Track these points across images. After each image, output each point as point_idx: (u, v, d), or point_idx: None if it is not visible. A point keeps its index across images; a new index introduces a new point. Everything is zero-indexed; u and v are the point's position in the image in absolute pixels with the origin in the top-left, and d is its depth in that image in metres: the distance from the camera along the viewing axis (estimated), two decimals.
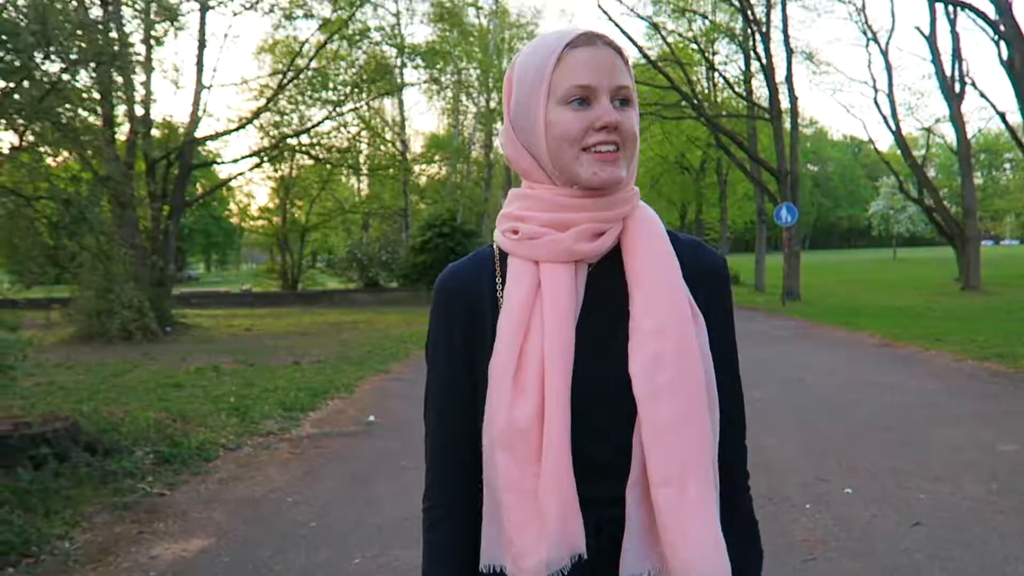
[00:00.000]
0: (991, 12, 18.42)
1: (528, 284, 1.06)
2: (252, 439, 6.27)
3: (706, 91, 29.16)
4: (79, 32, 7.28)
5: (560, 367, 1.02)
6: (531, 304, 1.05)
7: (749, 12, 22.77)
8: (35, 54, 6.41)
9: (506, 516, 1.05)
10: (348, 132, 21.30)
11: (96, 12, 10.14)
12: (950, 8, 22.05)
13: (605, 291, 1.09)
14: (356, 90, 19.63)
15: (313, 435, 6.44)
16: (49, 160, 9.67)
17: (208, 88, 17.21)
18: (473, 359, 1.11)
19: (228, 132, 18.12)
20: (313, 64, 18.86)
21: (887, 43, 33.49)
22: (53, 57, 6.94)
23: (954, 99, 23.22)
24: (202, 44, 16.97)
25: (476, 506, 1.11)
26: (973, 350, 10.02)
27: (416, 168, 28.32)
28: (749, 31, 24.13)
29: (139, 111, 14.48)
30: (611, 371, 1.06)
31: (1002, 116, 23.49)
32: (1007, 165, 67.03)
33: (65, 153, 9.60)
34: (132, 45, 9.89)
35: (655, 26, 25.75)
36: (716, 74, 28.66)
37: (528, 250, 1.07)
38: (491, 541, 1.08)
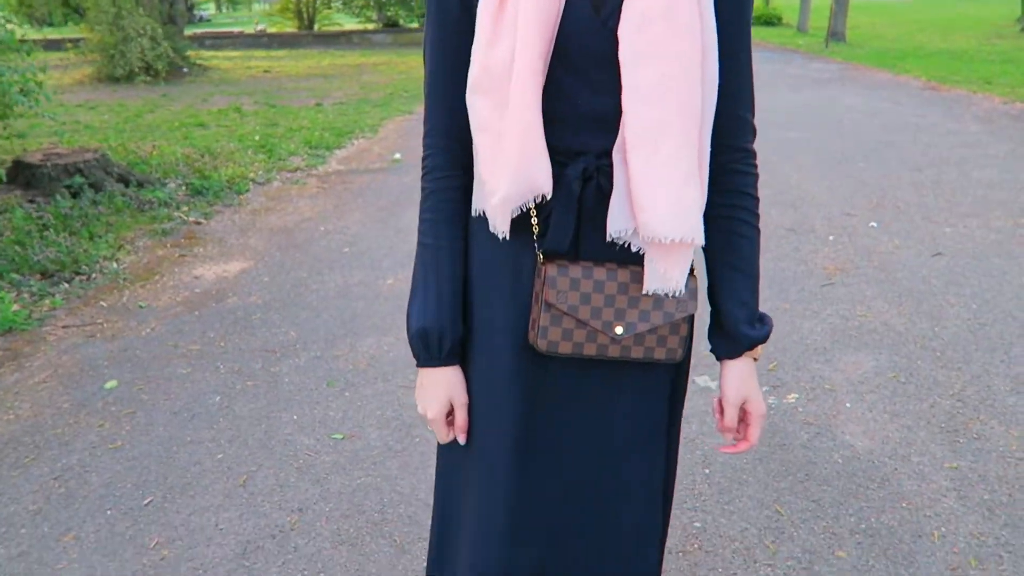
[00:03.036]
0: None
1: None
2: (281, 174, 6.33)
3: None
4: None
5: (536, 8, 0.99)
6: None
7: None
8: None
9: (480, 158, 1.08)
10: None
11: None
12: None
13: None
14: None
15: (340, 171, 6.48)
16: None
17: None
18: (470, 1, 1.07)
19: None
20: None
21: None
22: None
23: None
24: None
25: (471, 156, 1.12)
26: None
27: None
28: None
29: None
30: (603, 29, 1.03)
31: None
32: None
33: None
34: None
35: None
36: None
37: None
38: (477, 187, 1.11)
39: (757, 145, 1.16)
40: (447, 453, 1.30)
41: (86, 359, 3.19)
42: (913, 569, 1.97)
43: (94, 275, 4.06)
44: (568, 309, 1.07)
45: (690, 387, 2.85)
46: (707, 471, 2.39)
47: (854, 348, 3.10)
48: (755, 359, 1.18)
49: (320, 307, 3.64)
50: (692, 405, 2.73)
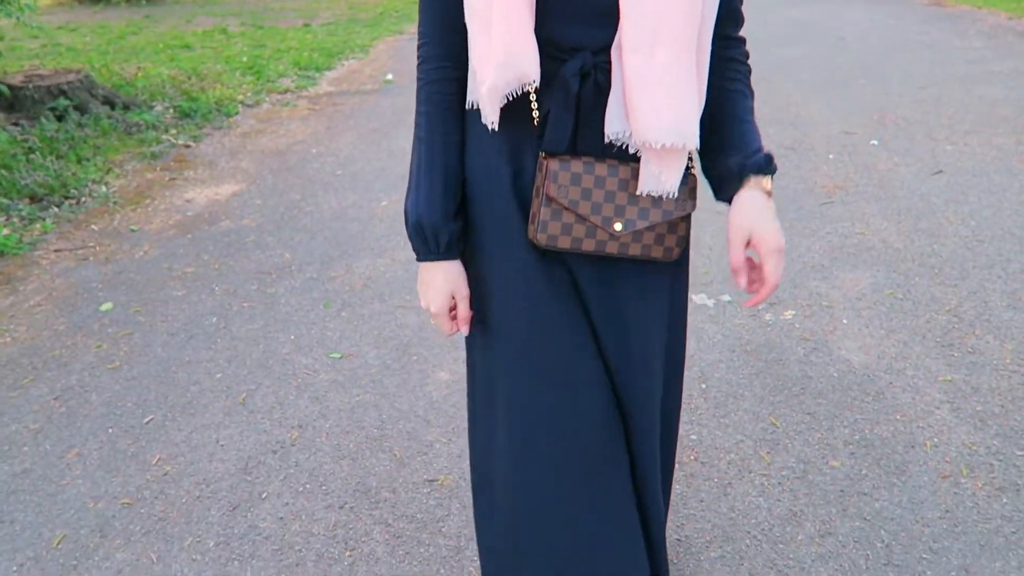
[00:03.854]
0: None
1: None
2: (270, 96, 6.18)
3: None
4: None
5: None
6: None
7: None
8: None
9: (471, 47, 1.06)
10: None
11: None
12: None
13: None
14: None
15: (331, 93, 6.33)
16: None
17: None
18: None
19: None
20: None
21: None
22: None
23: None
24: None
25: (466, 52, 1.09)
26: None
27: None
28: None
29: None
30: None
31: None
32: None
33: None
34: None
35: None
36: None
37: None
38: (470, 78, 1.10)
39: (754, 63, 1.18)
40: (483, 356, 1.26)
41: (80, 282, 3.17)
42: (905, 478, 2.01)
43: (83, 199, 4.00)
44: (568, 203, 1.05)
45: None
46: (703, 386, 2.41)
47: (852, 265, 3.09)
48: (767, 193, 1.09)
49: (314, 229, 3.61)
50: (689, 322, 2.73)
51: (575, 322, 1.17)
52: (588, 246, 1.09)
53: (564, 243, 1.08)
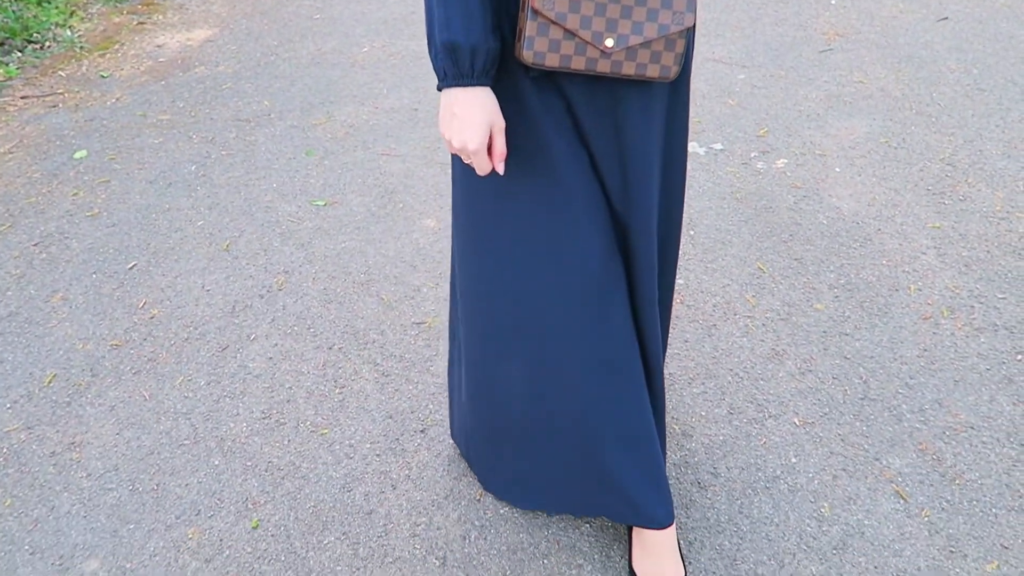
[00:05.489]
0: None
1: None
2: None
3: None
4: None
5: None
6: None
7: None
8: None
9: None
10: None
11: None
12: None
13: None
14: None
15: None
16: None
17: None
18: None
19: None
20: None
21: None
22: None
23: None
24: None
25: None
26: None
27: None
28: None
29: None
30: None
31: None
32: None
33: None
34: None
35: None
36: None
37: None
38: None
39: None
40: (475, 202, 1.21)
41: (51, 129, 3.05)
42: (887, 319, 2.04)
43: (48, 43, 3.79)
44: (556, 17, 0.98)
45: None
46: (692, 232, 2.39)
47: (848, 114, 3.01)
48: None
49: (293, 76, 3.45)
50: None
51: (572, 146, 1.12)
52: (578, 64, 1.02)
53: (552, 61, 1.01)
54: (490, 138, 1.05)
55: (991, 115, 2.96)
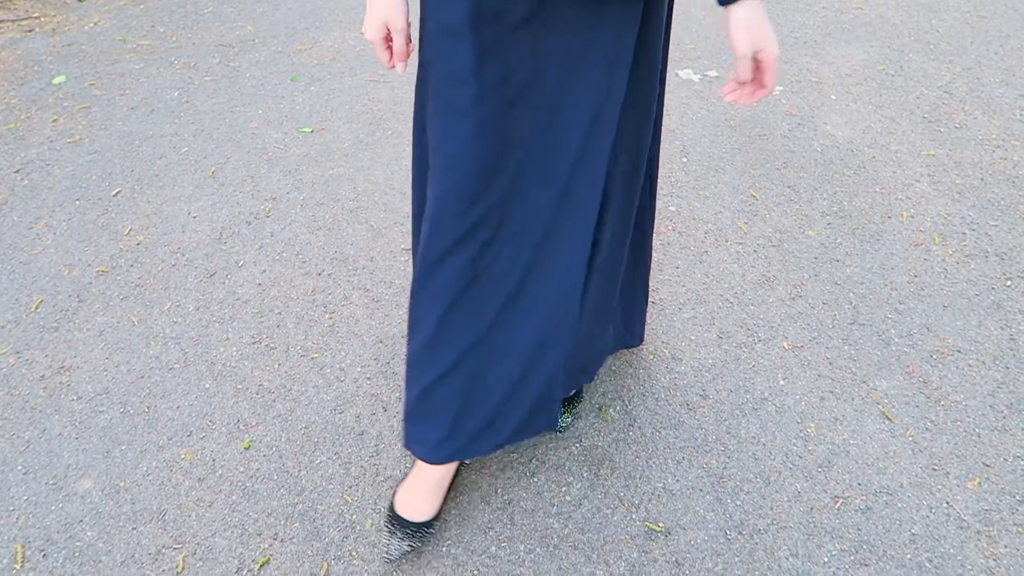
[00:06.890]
0: None
1: None
2: None
3: None
4: None
5: None
6: None
7: None
8: None
9: None
10: None
11: None
12: None
13: None
14: None
15: None
16: None
17: None
18: None
19: None
20: None
21: None
22: None
23: None
24: None
25: None
26: None
27: None
28: None
29: None
30: None
31: None
32: None
33: None
34: None
35: None
36: None
37: None
38: None
39: None
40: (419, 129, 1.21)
41: (28, 54, 2.96)
42: (878, 246, 2.03)
43: None
44: None
45: (671, 79, 2.75)
46: (684, 160, 2.36)
47: (845, 41, 2.95)
48: None
49: (277, 1, 3.35)
50: (672, 97, 2.64)
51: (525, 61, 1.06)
52: None
53: None
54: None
55: (990, 43, 2.91)
